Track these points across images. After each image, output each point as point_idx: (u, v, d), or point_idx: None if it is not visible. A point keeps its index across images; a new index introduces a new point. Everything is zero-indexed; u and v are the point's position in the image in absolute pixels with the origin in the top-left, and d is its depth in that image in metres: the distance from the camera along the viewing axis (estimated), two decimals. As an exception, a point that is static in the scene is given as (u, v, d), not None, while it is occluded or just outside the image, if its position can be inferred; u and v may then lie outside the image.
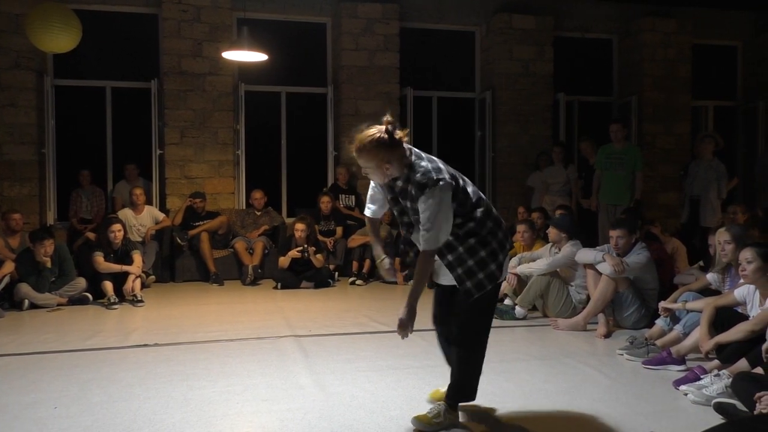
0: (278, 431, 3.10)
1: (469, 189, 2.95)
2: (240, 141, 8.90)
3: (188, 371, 4.08)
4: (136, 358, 4.45)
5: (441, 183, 2.76)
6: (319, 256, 7.50)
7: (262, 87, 9.17)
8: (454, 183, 2.84)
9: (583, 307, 5.43)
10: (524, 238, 6.43)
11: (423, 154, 2.92)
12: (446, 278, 3.06)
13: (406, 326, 2.89)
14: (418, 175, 2.79)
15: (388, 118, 2.81)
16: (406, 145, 2.86)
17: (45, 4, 6.62)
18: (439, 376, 3.92)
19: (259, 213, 8.46)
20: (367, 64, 9.06)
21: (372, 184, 3.12)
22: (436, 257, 2.94)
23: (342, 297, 6.97)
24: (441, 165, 2.89)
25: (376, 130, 2.80)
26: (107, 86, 8.79)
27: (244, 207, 8.87)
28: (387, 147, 2.78)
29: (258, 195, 8.49)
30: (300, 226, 7.46)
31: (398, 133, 2.81)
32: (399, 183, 2.89)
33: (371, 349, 4.61)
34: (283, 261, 7.47)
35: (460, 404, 3.22)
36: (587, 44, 10.18)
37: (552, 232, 5.87)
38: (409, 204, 2.88)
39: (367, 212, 3.25)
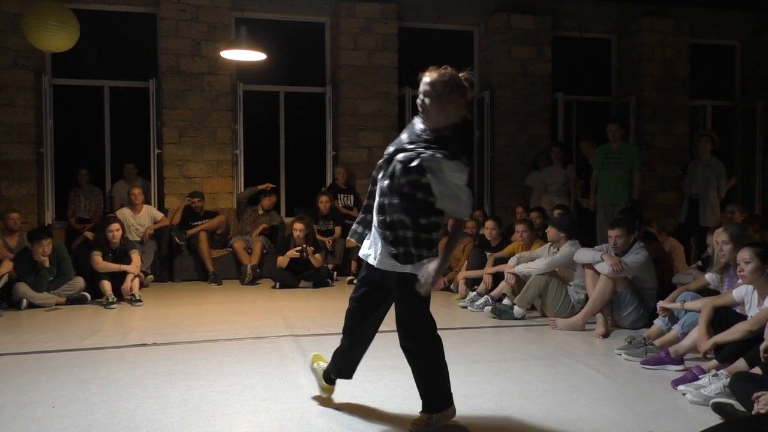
0: (276, 431, 3.10)
1: None
2: (238, 141, 8.89)
3: (187, 371, 4.08)
4: (135, 357, 4.44)
5: (467, 169, 2.83)
6: (317, 255, 7.50)
7: (260, 87, 9.17)
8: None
9: (582, 307, 5.43)
10: (523, 238, 6.43)
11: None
12: (377, 254, 2.98)
13: (433, 281, 2.80)
14: (445, 150, 2.79)
15: (466, 74, 2.91)
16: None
17: (42, 3, 6.62)
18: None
19: (260, 212, 8.45)
20: (365, 63, 9.06)
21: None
22: (380, 232, 2.93)
23: (341, 296, 6.96)
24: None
25: (457, 70, 2.91)
26: (105, 86, 8.79)
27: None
28: (460, 88, 2.86)
29: (273, 198, 8.52)
30: (299, 226, 7.46)
31: (470, 92, 2.92)
32: (409, 147, 2.87)
33: (369, 348, 4.60)
34: (282, 260, 7.47)
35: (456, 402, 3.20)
36: (586, 44, 10.19)
37: (551, 231, 5.88)
38: (387, 182, 2.86)
39: None
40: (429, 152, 2.78)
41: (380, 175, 2.96)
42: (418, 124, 2.95)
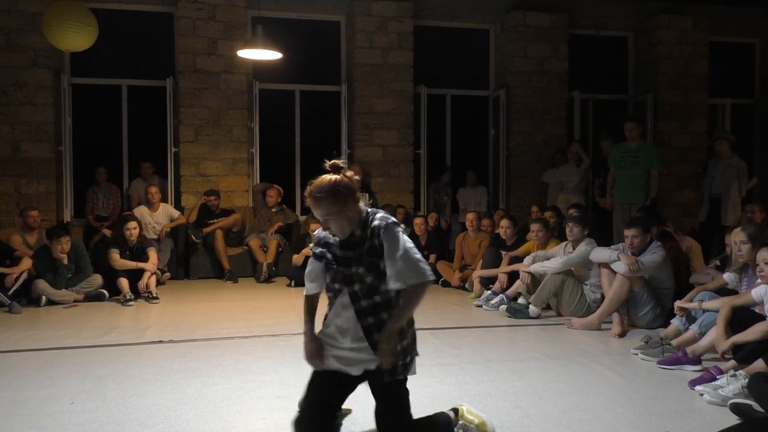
0: (291, 428, 3.11)
1: None
2: (254, 139, 8.94)
3: (202, 368, 4.11)
4: (151, 354, 4.48)
5: (400, 226, 2.58)
6: (332, 254, 7.50)
7: (276, 85, 9.20)
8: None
9: (598, 306, 5.40)
10: (538, 237, 6.40)
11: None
12: (362, 365, 2.63)
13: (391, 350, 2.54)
14: (377, 221, 2.54)
15: (336, 161, 2.59)
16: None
17: (62, 3, 6.67)
18: (450, 374, 3.93)
19: (274, 210, 8.48)
20: (380, 62, 9.06)
21: (310, 261, 2.79)
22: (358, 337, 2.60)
23: (355, 295, 6.97)
24: None
25: (331, 176, 2.53)
26: (123, 84, 8.87)
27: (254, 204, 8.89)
28: (347, 188, 2.51)
29: (274, 193, 8.51)
30: (315, 227, 7.46)
31: (350, 173, 2.57)
32: (353, 249, 2.57)
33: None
34: (297, 259, 7.50)
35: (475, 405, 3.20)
36: (602, 42, 10.12)
37: (576, 229, 5.79)
38: (362, 269, 2.54)
39: (308, 291, 2.87)
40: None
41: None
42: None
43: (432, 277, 2.56)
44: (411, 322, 2.66)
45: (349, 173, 2.57)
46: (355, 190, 2.55)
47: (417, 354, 2.70)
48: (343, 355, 2.65)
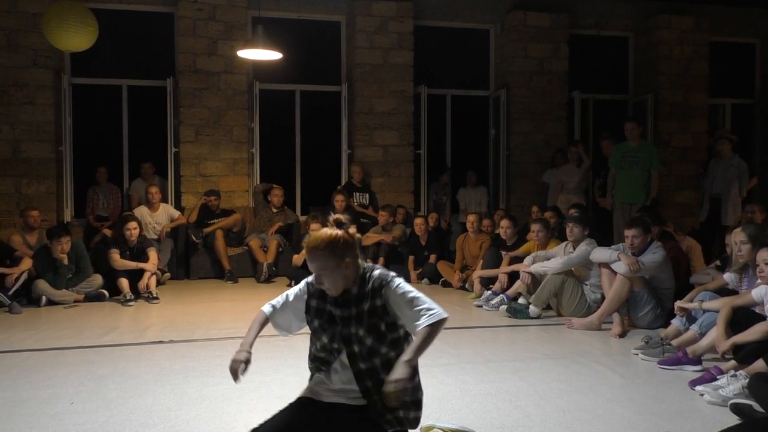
0: None
1: None
2: (254, 139, 8.93)
3: (203, 368, 4.11)
4: (152, 354, 4.48)
5: (400, 278, 2.47)
6: (332, 254, 7.49)
7: (276, 85, 9.20)
8: None
9: (598, 307, 5.40)
10: (538, 237, 6.39)
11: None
12: (342, 395, 2.48)
13: (405, 387, 2.29)
14: (376, 278, 2.43)
15: (337, 216, 2.53)
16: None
17: (62, 3, 6.67)
18: (450, 374, 3.93)
19: (275, 210, 8.48)
20: (381, 62, 9.06)
21: (295, 296, 2.74)
22: (352, 384, 2.47)
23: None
24: None
25: (332, 230, 2.46)
26: (123, 84, 8.86)
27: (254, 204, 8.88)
28: (346, 244, 2.42)
29: (279, 194, 8.51)
30: (315, 227, 7.47)
31: (352, 230, 2.49)
32: (349, 308, 2.46)
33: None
34: (297, 258, 7.49)
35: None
36: (603, 42, 10.12)
37: (576, 229, 5.79)
38: (361, 331, 2.42)
39: (267, 309, 2.85)
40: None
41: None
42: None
43: (445, 314, 2.40)
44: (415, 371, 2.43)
45: (351, 230, 2.48)
46: (354, 248, 2.45)
47: (419, 413, 2.51)
48: (338, 388, 2.52)
